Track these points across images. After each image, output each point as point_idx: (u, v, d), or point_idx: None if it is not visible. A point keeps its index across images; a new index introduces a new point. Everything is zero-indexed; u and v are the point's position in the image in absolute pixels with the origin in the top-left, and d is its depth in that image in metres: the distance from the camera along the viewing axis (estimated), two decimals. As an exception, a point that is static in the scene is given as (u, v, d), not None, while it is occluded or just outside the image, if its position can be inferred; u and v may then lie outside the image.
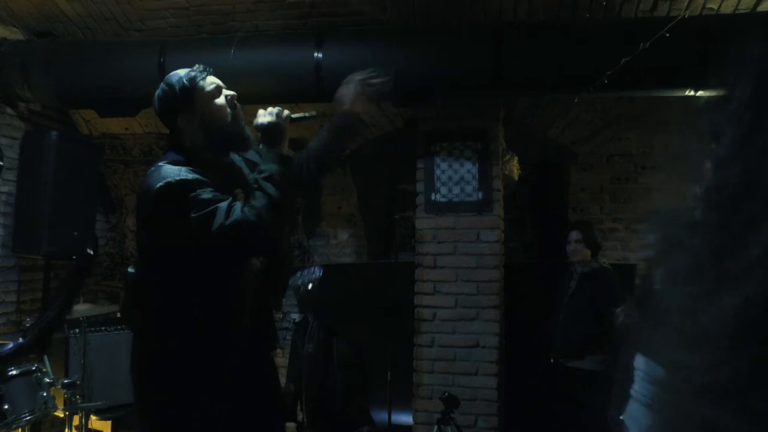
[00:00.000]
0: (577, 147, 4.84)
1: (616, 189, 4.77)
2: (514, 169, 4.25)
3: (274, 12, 3.89)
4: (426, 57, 3.63)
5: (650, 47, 3.09)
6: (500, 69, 3.53)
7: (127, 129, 4.88)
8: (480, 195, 3.91)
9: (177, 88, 1.85)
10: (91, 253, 1.13)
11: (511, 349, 4.15)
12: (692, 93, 3.33)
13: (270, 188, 1.73)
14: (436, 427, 3.50)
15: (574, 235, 3.85)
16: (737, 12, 3.46)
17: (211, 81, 1.90)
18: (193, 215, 1.65)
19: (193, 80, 1.85)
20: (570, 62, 3.46)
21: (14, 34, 4.24)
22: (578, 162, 4.87)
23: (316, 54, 3.65)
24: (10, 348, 1.00)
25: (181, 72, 1.88)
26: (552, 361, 3.84)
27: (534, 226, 5.22)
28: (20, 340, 1.00)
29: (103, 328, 3.83)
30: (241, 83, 3.85)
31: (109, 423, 3.72)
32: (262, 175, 1.78)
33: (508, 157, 4.19)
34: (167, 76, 1.90)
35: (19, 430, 2.95)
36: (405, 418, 4.06)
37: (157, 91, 1.89)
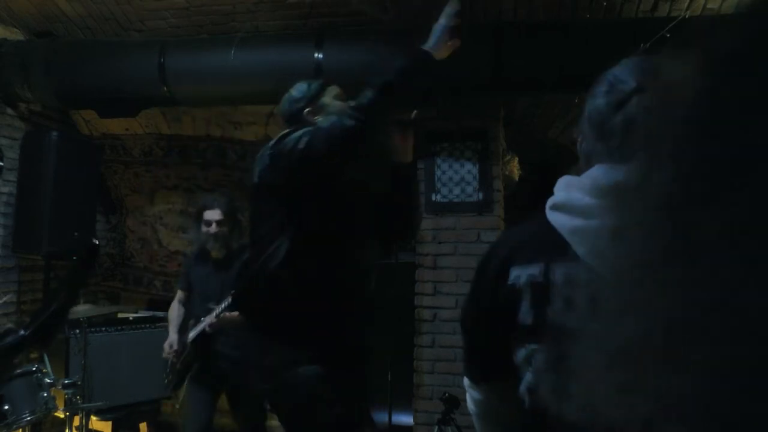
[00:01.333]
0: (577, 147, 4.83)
1: (616, 189, 4.77)
2: (515, 169, 4.25)
3: (274, 12, 3.89)
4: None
5: (651, 47, 3.09)
6: (500, 69, 3.53)
7: (127, 129, 4.89)
8: (480, 195, 3.91)
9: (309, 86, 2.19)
10: (96, 243, 1.12)
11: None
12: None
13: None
14: (436, 427, 3.50)
15: None
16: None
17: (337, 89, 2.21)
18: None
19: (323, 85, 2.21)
20: (570, 62, 3.46)
21: (14, 35, 4.25)
22: (579, 162, 4.87)
23: (316, 54, 3.66)
24: (11, 340, 1.00)
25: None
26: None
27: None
28: (21, 332, 1.00)
29: (104, 328, 3.83)
30: (241, 83, 3.88)
31: (109, 423, 3.72)
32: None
33: (508, 157, 4.19)
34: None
35: (20, 430, 2.96)
36: (405, 419, 4.06)
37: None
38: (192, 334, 3.31)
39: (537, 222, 1.13)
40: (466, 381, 1.35)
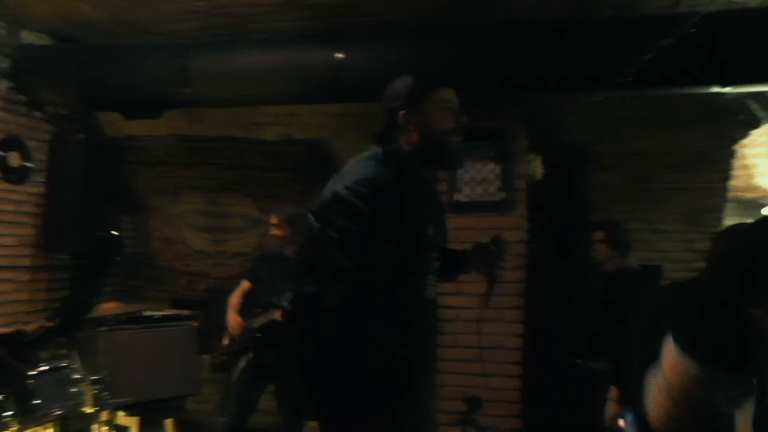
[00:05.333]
0: (598, 146, 4.80)
1: (639, 188, 4.72)
2: (537, 168, 4.24)
3: (295, 13, 3.92)
4: (445, 56, 3.63)
5: (673, 44, 3.07)
6: (519, 68, 3.52)
7: (151, 131, 4.96)
8: (503, 195, 3.90)
9: (413, 81, 1.87)
10: (116, 234, 1.14)
11: (535, 351, 4.12)
12: (719, 90, 3.29)
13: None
14: (459, 428, 3.50)
15: (598, 235, 3.81)
16: (764, 5, 3.41)
17: (452, 93, 1.92)
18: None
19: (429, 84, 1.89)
20: (590, 60, 3.44)
21: (41, 40, 4.33)
22: (599, 161, 4.83)
23: (336, 54, 3.68)
24: (38, 332, 1.04)
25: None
26: (577, 362, 3.80)
27: (555, 226, 5.19)
28: (48, 323, 1.03)
29: (130, 326, 3.89)
30: (262, 84, 3.92)
31: (136, 419, 3.78)
32: None
33: (531, 156, 4.18)
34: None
35: (49, 424, 3.02)
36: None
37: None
38: (259, 321, 3.58)
39: None
40: (682, 358, 1.14)
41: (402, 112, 1.83)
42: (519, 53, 3.53)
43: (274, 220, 3.72)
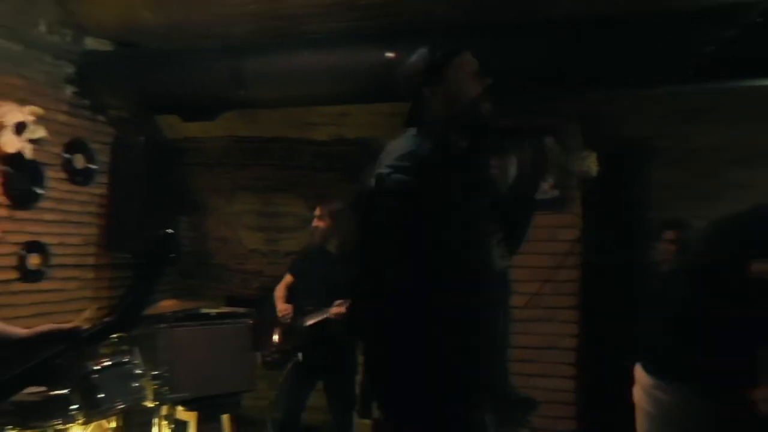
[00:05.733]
0: (658, 141, 4.64)
1: (701, 185, 4.54)
2: (593, 165, 4.12)
3: (345, 14, 3.94)
4: (495, 53, 3.57)
5: (737, 35, 2.94)
6: (572, 63, 3.44)
7: (207, 133, 5.07)
8: (556, 192, 3.83)
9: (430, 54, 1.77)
10: (171, 232, 1.17)
11: (591, 352, 4.03)
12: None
13: None
14: (512, 429, 3.45)
15: (668, 234, 3.69)
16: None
17: (470, 57, 1.79)
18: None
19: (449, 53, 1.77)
20: (648, 54, 3.33)
21: (103, 46, 4.50)
22: (659, 157, 4.67)
23: (387, 54, 3.67)
24: (98, 327, 1.08)
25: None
26: (641, 366, 3.69)
27: (613, 225, 5.04)
28: (105, 319, 1.08)
29: (188, 323, 3.99)
30: (314, 84, 3.96)
31: (194, 414, 3.88)
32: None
33: (585, 153, 4.08)
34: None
35: (112, 417, 3.13)
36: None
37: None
38: (311, 319, 3.60)
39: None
40: (648, 380, 1.20)
41: (425, 87, 1.74)
42: (574, 48, 3.45)
43: (318, 212, 3.77)
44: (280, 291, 3.89)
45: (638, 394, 1.39)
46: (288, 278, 3.91)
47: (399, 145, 1.72)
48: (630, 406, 3.71)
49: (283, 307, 3.76)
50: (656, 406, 1.15)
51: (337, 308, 3.45)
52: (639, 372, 1.56)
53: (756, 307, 0.99)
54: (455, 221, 1.64)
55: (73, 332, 1.15)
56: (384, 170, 1.64)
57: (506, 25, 3.68)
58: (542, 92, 3.83)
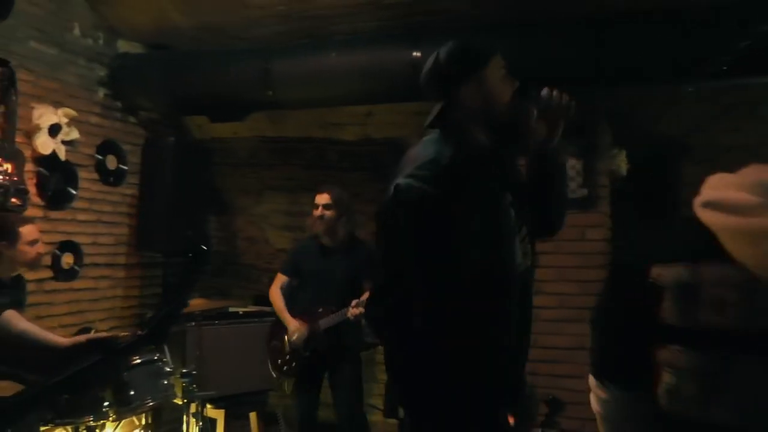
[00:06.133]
0: (690, 139, 4.55)
1: (734, 183, 4.43)
2: (622, 164, 4.06)
3: (372, 14, 3.94)
4: (522, 51, 3.54)
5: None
6: (602, 60, 3.39)
7: (235, 133, 5.13)
8: (584, 191, 3.77)
9: (464, 53, 1.70)
10: (205, 248, 1.18)
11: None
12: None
13: None
14: (539, 430, 3.42)
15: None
16: None
17: (499, 59, 1.71)
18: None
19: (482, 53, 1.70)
20: (679, 50, 3.27)
21: (135, 48, 4.58)
22: (691, 155, 4.58)
23: (413, 53, 3.67)
24: (130, 340, 1.12)
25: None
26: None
27: (643, 224, 4.96)
28: (139, 332, 1.11)
29: (216, 322, 4.04)
30: (340, 85, 3.97)
31: (222, 412, 3.93)
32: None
33: (615, 151, 4.02)
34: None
35: (143, 414, 3.19)
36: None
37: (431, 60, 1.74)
38: (327, 322, 3.46)
39: (681, 219, 1.09)
40: (592, 381, 1.29)
41: (461, 87, 1.66)
42: (603, 46, 3.39)
43: (322, 199, 3.51)
44: (277, 297, 3.66)
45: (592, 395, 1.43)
46: (282, 279, 3.70)
47: (419, 153, 1.67)
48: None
49: (294, 327, 3.51)
50: (600, 406, 1.24)
51: (355, 309, 3.34)
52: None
53: (652, 308, 1.04)
54: (477, 225, 1.61)
55: (110, 343, 1.19)
56: (402, 180, 1.60)
57: (534, 23, 3.64)
58: (572, 89, 3.77)
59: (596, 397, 1.24)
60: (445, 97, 1.70)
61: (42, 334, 1.26)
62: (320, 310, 3.50)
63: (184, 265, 1.26)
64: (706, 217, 1.02)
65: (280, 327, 3.64)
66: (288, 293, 3.67)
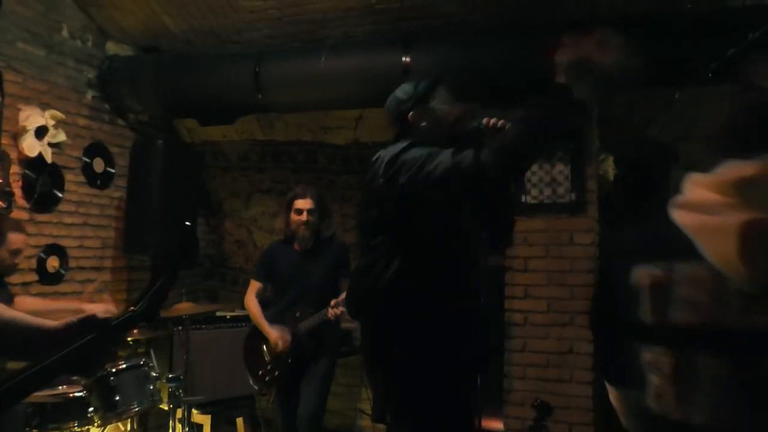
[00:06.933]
0: (679, 144, 4.58)
1: (722, 189, 4.47)
2: (609, 169, 4.08)
3: (363, 18, 3.95)
4: (514, 55, 3.56)
5: (761, 37, 2.88)
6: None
7: (225, 136, 5.12)
8: (573, 196, 3.78)
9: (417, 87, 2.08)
10: (189, 224, 1.20)
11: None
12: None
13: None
14: (527, 434, 3.42)
15: None
16: None
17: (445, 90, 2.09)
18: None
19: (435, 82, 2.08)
20: (670, 56, 3.29)
21: (125, 51, 4.56)
22: (681, 160, 4.61)
23: (403, 58, 3.68)
24: (123, 316, 1.12)
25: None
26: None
27: (632, 228, 4.98)
28: (131, 308, 1.12)
29: (204, 326, 4.02)
30: (331, 89, 3.97)
31: (209, 417, 3.90)
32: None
33: (602, 156, 4.04)
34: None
35: (128, 419, 3.16)
36: (496, 425, 3.99)
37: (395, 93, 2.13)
38: (307, 325, 3.36)
39: (659, 220, 1.11)
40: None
41: (411, 113, 2.03)
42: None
43: (306, 204, 3.42)
44: (253, 306, 3.54)
45: None
46: (256, 285, 3.58)
47: (391, 153, 1.93)
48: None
49: (276, 336, 3.38)
50: (612, 401, 1.28)
51: (334, 309, 3.25)
52: None
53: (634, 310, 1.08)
54: (446, 225, 1.88)
55: (102, 322, 1.19)
56: (380, 179, 1.88)
57: (524, 28, 3.66)
58: (561, 94, 3.78)
59: (610, 393, 1.27)
60: (400, 121, 2.08)
61: (33, 320, 1.25)
62: (298, 313, 3.42)
63: (172, 244, 1.27)
64: (679, 217, 1.04)
65: (257, 337, 3.52)
66: (263, 300, 3.58)
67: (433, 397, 1.78)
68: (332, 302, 3.29)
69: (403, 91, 2.11)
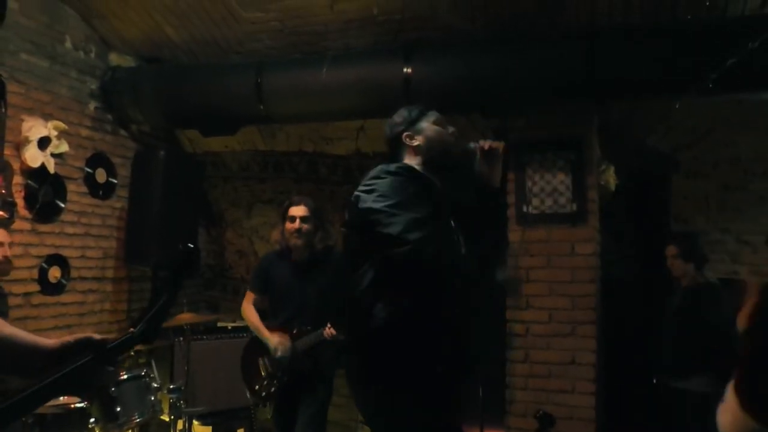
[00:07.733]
0: (680, 153, 4.59)
1: (723, 198, 4.47)
2: (611, 178, 4.08)
3: (365, 29, 3.97)
4: (515, 66, 3.57)
5: (760, 47, 2.90)
6: (594, 75, 3.42)
7: (226, 147, 5.13)
8: (574, 206, 3.78)
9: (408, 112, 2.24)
10: (191, 246, 1.19)
11: (610, 367, 3.97)
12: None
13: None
14: (530, 446, 3.41)
15: (671, 249, 3.63)
16: None
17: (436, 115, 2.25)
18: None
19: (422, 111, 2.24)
20: (670, 65, 3.30)
21: (127, 62, 4.57)
22: (681, 169, 4.61)
23: (405, 69, 3.69)
24: (121, 338, 1.12)
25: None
26: (654, 381, 3.64)
27: (634, 238, 4.98)
28: (130, 331, 1.11)
29: (205, 336, 4.01)
30: (332, 100, 3.98)
31: (209, 429, 3.88)
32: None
33: (604, 166, 4.04)
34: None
35: (129, 430, 3.15)
36: (498, 435, 3.97)
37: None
38: (305, 343, 3.25)
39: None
40: None
41: (405, 134, 2.17)
42: (594, 61, 3.42)
43: (299, 212, 3.31)
44: (251, 313, 3.44)
45: None
46: (252, 296, 3.49)
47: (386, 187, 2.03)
48: (648, 422, 3.64)
49: (276, 341, 3.27)
50: None
51: (330, 330, 3.15)
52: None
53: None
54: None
55: (100, 342, 1.18)
56: (378, 216, 1.95)
57: (525, 38, 3.67)
58: (562, 102, 3.80)
59: (746, 427, 1.16)
60: (395, 142, 2.21)
61: (29, 337, 1.24)
62: (295, 330, 3.30)
63: (173, 264, 1.25)
64: None
65: (254, 350, 3.42)
66: (260, 310, 3.48)
67: (412, 414, 1.91)
68: (329, 324, 3.18)
69: (398, 115, 2.27)
